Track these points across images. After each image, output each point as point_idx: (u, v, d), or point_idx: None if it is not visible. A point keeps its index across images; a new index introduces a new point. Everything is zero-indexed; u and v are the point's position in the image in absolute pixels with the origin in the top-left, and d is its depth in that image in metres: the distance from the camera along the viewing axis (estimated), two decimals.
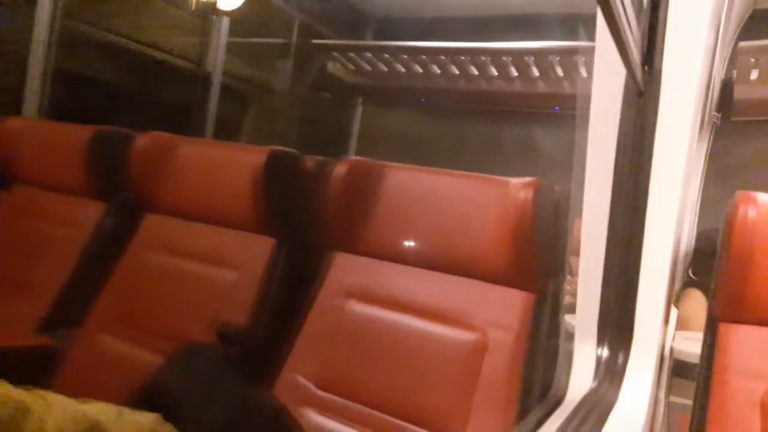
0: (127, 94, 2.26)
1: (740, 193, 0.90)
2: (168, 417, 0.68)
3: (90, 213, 1.43)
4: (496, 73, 2.95)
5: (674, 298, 1.75)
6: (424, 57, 2.99)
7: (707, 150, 2.25)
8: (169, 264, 1.27)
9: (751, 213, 0.87)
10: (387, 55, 3.07)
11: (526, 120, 3.16)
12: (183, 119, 2.56)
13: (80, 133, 1.48)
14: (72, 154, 1.47)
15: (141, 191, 1.37)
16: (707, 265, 1.01)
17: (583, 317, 0.98)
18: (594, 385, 0.90)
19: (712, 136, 2.29)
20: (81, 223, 1.43)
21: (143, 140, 1.36)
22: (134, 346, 1.21)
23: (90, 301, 1.28)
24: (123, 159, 1.35)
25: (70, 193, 1.49)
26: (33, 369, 1.21)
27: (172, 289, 1.25)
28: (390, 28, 3.21)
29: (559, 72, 2.81)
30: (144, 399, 0.72)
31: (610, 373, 0.90)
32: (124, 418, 0.66)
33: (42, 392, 0.63)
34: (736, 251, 0.89)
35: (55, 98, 1.93)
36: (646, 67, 0.88)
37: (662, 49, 0.88)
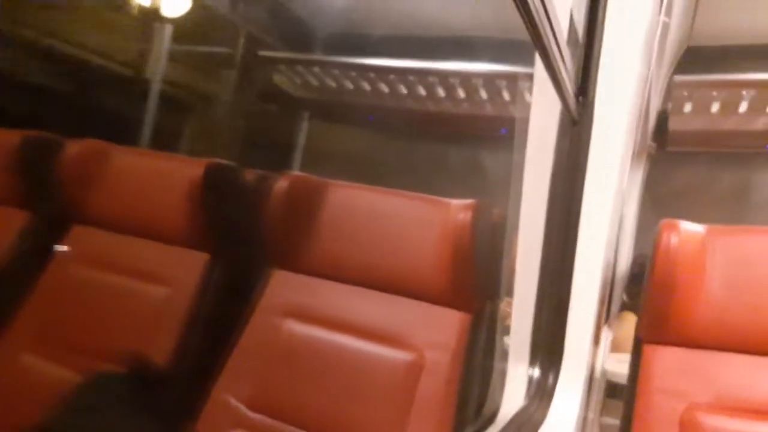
0: (61, 99, 2.17)
1: (665, 221, 0.94)
2: None
3: (12, 222, 1.35)
4: (443, 94, 3.00)
5: (610, 320, 1.81)
6: (372, 75, 3.01)
7: (643, 178, 2.36)
8: (97, 278, 1.22)
9: (674, 240, 0.91)
10: (335, 71, 3.08)
11: (473, 142, 3.22)
12: (120, 127, 2.47)
13: (6, 138, 1.40)
14: None
15: (69, 201, 1.31)
16: (640, 289, 1.05)
17: (517, 337, 1.00)
18: (525, 403, 0.92)
19: (647, 165, 2.40)
20: (2, 232, 1.35)
21: (73, 148, 1.31)
22: (57, 365, 1.14)
23: (9, 315, 1.21)
24: (51, 167, 1.29)
25: None
26: None
27: (100, 305, 1.19)
28: (339, 43, 3.22)
29: (506, 96, 2.89)
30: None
31: (540, 393, 0.92)
32: None
33: None
34: (660, 276, 0.93)
35: None
36: (581, 98, 0.92)
37: (596, 81, 0.92)
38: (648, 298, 0.97)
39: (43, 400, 0.85)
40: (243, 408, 1.05)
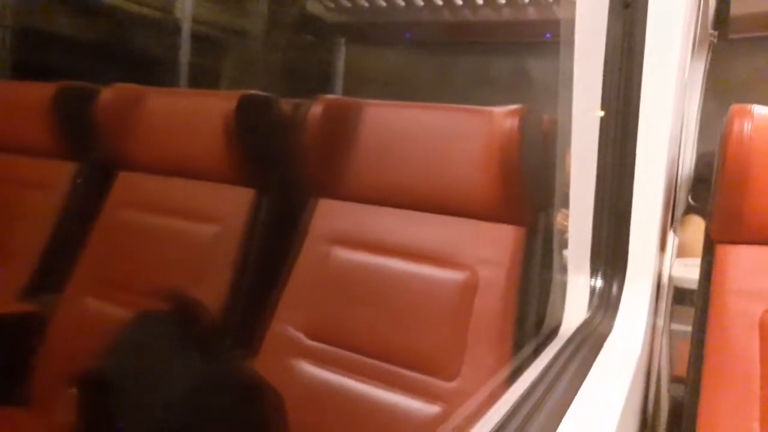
0: (94, 48, 2.16)
1: (736, 107, 0.85)
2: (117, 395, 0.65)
3: (61, 174, 1.38)
4: (481, 2, 2.84)
5: (675, 225, 1.72)
6: None
7: (705, 70, 2.18)
8: (147, 221, 1.24)
9: (747, 127, 0.82)
10: None
11: (517, 50, 3.05)
12: (155, 72, 2.46)
13: (42, 92, 1.41)
14: (36, 114, 1.40)
15: (111, 148, 1.31)
16: (707, 190, 0.97)
17: (576, 248, 0.95)
18: (587, 316, 0.88)
19: (709, 56, 2.21)
20: (53, 185, 1.38)
21: (108, 94, 1.30)
22: (119, 307, 1.18)
23: (70, 264, 1.25)
24: (89, 115, 1.29)
25: (39, 155, 1.43)
26: (18, 336, 1.19)
27: (153, 247, 1.22)
28: None
29: None
30: (91, 376, 0.69)
31: (604, 304, 0.88)
32: None
33: None
34: (732, 168, 0.84)
35: (16, 55, 1.84)
36: None
37: None
38: (719, 193, 0.89)
39: (103, 338, 0.87)
40: (302, 337, 1.05)
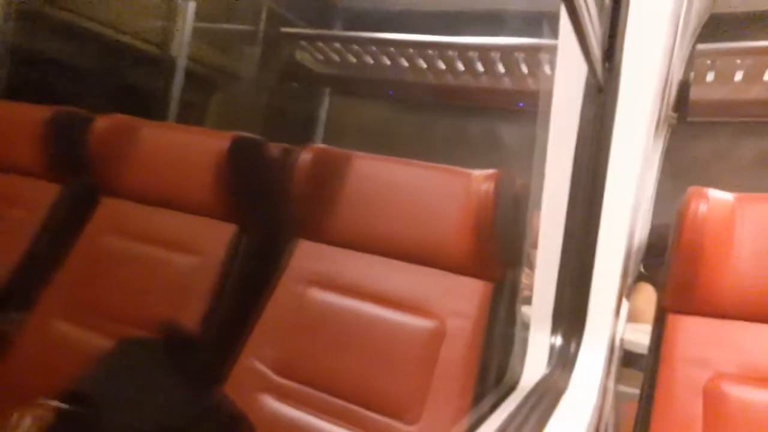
0: (89, 75, 2.20)
1: (693, 189, 0.93)
2: (99, 416, 0.67)
3: (45, 195, 1.39)
4: (462, 68, 2.98)
5: (626, 291, 1.80)
6: (392, 49, 2.99)
7: (663, 149, 2.32)
8: (127, 248, 1.25)
9: (702, 208, 0.90)
10: (356, 46, 3.06)
11: (492, 115, 3.19)
12: (146, 104, 2.50)
13: (38, 114, 1.43)
14: (28, 135, 1.42)
15: (99, 174, 1.34)
16: (658, 260, 1.04)
17: (539, 306, 1.00)
18: (547, 372, 0.92)
19: (668, 136, 2.35)
20: (35, 205, 1.38)
21: (103, 122, 1.33)
22: (90, 332, 1.18)
23: (42, 285, 1.25)
24: (81, 141, 1.32)
25: (25, 174, 1.44)
26: None
27: (129, 274, 1.23)
28: (358, 19, 3.20)
29: (524, 69, 2.85)
30: (74, 395, 0.70)
31: (562, 361, 0.93)
32: None
33: None
34: (687, 244, 0.92)
35: (12, 78, 1.86)
36: (607, 64, 0.91)
37: (622, 47, 0.90)
38: (673, 267, 0.96)
39: (76, 365, 0.88)
40: (269, 373, 1.07)
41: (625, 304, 1.59)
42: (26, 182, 1.43)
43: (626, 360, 1.45)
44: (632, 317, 1.73)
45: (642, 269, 2.01)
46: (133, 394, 0.75)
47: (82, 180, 1.38)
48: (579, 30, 0.68)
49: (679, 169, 2.54)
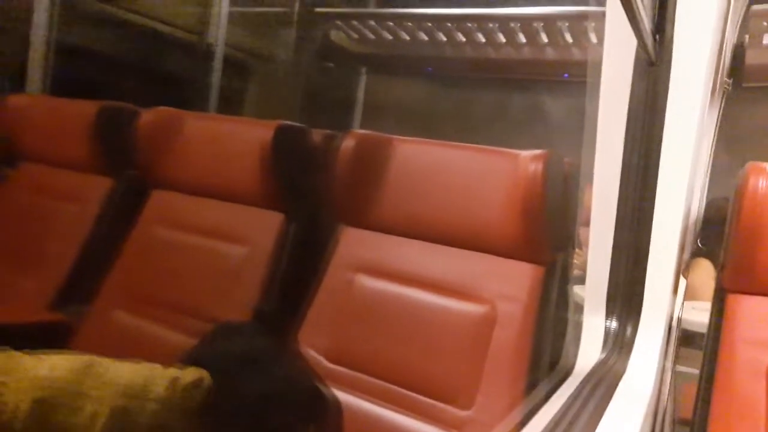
0: (130, 67, 2.24)
1: (751, 164, 0.89)
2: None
3: (98, 189, 1.43)
4: (503, 40, 2.90)
5: (683, 267, 1.75)
6: (429, 24, 2.93)
7: (718, 117, 2.22)
8: (178, 239, 1.28)
9: (762, 185, 0.86)
10: (391, 23, 3.01)
11: (536, 88, 3.11)
12: (186, 92, 2.54)
13: (85, 109, 1.47)
14: (78, 131, 1.46)
15: (148, 167, 1.37)
16: (716, 235, 1.00)
17: (593, 289, 0.98)
18: (602, 356, 0.91)
19: (723, 103, 2.25)
20: (89, 199, 1.43)
21: (149, 116, 1.36)
22: (147, 322, 1.22)
23: (100, 277, 1.30)
24: (129, 135, 1.35)
25: (77, 170, 1.49)
26: (46, 344, 1.23)
27: (182, 264, 1.26)
28: None
29: (568, 38, 2.76)
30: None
31: (619, 345, 0.91)
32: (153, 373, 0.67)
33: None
34: (746, 223, 0.88)
35: (58, 73, 1.92)
36: (657, 36, 0.87)
37: (673, 18, 0.86)
38: (732, 246, 0.93)
39: (134, 354, 0.91)
40: (322, 359, 1.09)
41: (682, 282, 1.55)
42: (79, 178, 1.48)
43: (684, 339, 1.42)
44: (691, 294, 1.68)
45: (699, 244, 1.95)
46: (238, 368, 0.80)
47: (132, 173, 1.41)
48: (627, 3, 0.65)
49: (737, 138, 2.43)
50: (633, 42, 0.89)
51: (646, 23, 0.79)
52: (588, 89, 0.97)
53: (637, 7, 0.68)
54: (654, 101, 0.90)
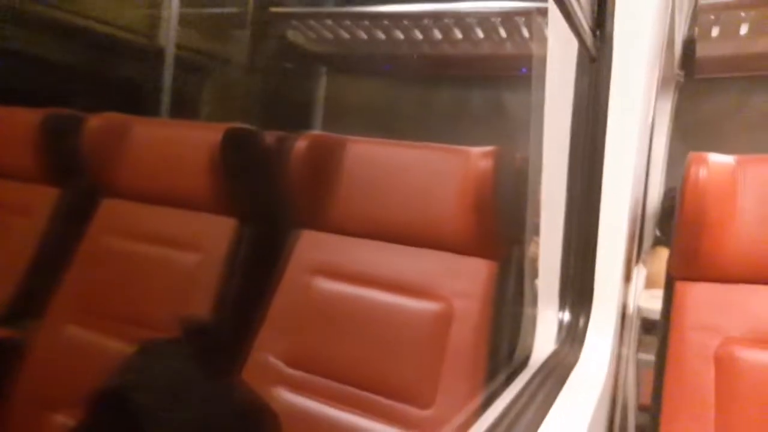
0: (76, 72, 2.18)
1: (692, 155, 0.91)
2: (138, 416, 0.68)
3: (45, 200, 1.39)
4: (460, 36, 2.92)
5: (642, 257, 1.79)
6: (386, 22, 2.93)
7: (672, 108, 2.28)
8: (130, 249, 1.25)
9: (703, 173, 0.88)
10: (348, 22, 3.00)
11: (494, 84, 3.14)
12: (138, 97, 2.48)
13: (28, 118, 1.42)
14: (21, 140, 1.42)
15: (96, 175, 1.33)
16: (672, 224, 1.03)
17: (546, 281, 1.00)
18: (556, 347, 0.92)
19: (676, 95, 2.31)
20: (36, 210, 1.39)
21: (96, 122, 1.32)
22: (100, 335, 1.19)
23: (51, 290, 1.26)
24: (75, 142, 1.31)
25: (22, 180, 1.44)
26: None
27: (135, 274, 1.23)
28: None
29: (525, 33, 2.79)
30: (108, 399, 0.72)
31: (571, 336, 0.93)
32: None
33: None
34: (689, 211, 0.91)
35: None
36: (598, 33, 0.88)
37: (613, 14, 0.87)
38: (678, 234, 0.95)
39: (92, 369, 0.89)
40: (281, 365, 1.08)
41: (641, 271, 1.58)
42: (25, 188, 1.43)
43: (647, 327, 1.45)
44: (652, 283, 1.72)
45: (658, 233, 1.99)
46: (164, 393, 0.77)
47: (80, 183, 1.37)
48: (560, 2, 0.66)
49: (691, 129, 2.50)
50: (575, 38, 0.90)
51: (585, 20, 0.80)
52: (534, 83, 0.98)
53: (572, 6, 0.69)
54: (596, 97, 0.91)
